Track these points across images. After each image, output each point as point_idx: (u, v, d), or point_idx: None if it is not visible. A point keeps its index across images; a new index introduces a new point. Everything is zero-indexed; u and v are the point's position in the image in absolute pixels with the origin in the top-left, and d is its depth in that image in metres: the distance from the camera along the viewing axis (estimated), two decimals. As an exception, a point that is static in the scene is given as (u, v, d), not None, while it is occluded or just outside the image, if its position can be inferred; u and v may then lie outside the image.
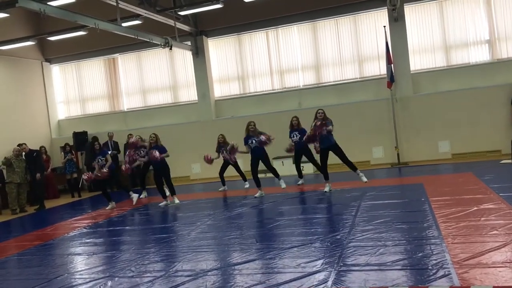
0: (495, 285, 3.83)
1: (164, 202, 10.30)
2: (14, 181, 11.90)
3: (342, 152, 9.50)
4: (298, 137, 10.48)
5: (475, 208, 6.66)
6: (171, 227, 7.94)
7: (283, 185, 10.33)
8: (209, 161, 11.41)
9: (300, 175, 11.18)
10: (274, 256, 5.46)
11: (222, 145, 11.42)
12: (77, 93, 16.75)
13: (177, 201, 10.32)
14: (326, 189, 9.58)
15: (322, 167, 9.67)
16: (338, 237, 5.99)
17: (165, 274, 5.23)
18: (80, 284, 5.22)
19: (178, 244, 6.65)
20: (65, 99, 16.91)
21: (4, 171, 12.15)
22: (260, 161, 10.27)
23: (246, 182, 11.67)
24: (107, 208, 10.68)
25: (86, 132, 15.42)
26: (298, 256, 5.34)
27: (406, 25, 13.09)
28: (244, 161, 12.25)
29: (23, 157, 12.30)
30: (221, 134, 11.61)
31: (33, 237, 8.45)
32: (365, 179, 9.47)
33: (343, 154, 9.50)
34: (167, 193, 10.52)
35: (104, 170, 10.63)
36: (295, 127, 10.71)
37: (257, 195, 10.00)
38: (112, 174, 10.89)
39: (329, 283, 4.35)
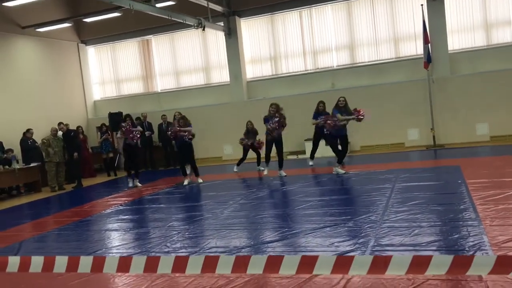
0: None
1: (186, 181, 10.52)
2: (53, 160, 12.27)
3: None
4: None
5: (515, 190, 6.47)
6: (205, 206, 8.05)
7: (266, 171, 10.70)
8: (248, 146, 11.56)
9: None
10: (307, 235, 5.47)
11: (250, 131, 11.43)
12: (112, 74, 17.03)
13: (200, 180, 10.62)
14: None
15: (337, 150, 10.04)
16: (372, 217, 5.93)
17: (199, 250, 5.32)
18: (117, 258, 5.37)
19: (212, 222, 6.74)
20: (101, 80, 17.23)
21: (44, 152, 12.53)
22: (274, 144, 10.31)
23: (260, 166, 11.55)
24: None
25: (121, 112, 15.68)
26: (331, 236, 5.33)
27: (445, 2, 12.67)
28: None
29: (61, 136, 12.65)
30: (249, 121, 11.60)
31: (71, 214, 8.73)
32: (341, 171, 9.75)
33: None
34: (188, 171, 10.80)
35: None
36: (320, 111, 10.66)
37: (265, 172, 10.49)
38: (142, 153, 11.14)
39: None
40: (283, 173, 10.25)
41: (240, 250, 5.15)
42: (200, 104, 15.43)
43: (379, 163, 10.58)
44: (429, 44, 12.39)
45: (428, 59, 12.37)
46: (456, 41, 12.96)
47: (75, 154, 12.50)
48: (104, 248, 5.97)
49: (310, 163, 11.28)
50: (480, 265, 2.27)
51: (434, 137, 12.67)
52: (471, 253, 4.27)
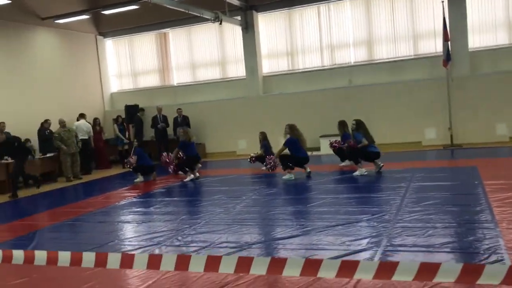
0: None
1: (189, 178, 10.53)
2: (67, 152, 12.42)
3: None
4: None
5: (533, 193, 6.32)
6: (217, 200, 8.04)
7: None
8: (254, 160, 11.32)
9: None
10: (319, 233, 5.42)
11: (263, 142, 11.36)
12: (129, 67, 17.11)
13: (195, 175, 10.66)
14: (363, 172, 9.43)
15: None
16: (386, 217, 5.86)
17: (210, 245, 5.31)
18: (129, 250, 5.40)
19: (224, 216, 6.73)
20: (118, 72, 17.32)
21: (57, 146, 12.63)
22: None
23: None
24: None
25: (138, 105, 15.78)
26: (343, 234, 5.28)
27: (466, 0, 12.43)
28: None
29: (72, 127, 12.84)
30: (260, 133, 11.54)
31: (86, 204, 8.81)
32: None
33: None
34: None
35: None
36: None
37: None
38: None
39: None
40: (308, 169, 9.95)
41: (250, 246, 5.13)
42: (215, 98, 15.42)
43: (395, 161, 10.45)
44: (449, 42, 12.17)
45: (447, 57, 12.15)
46: (477, 39, 12.71)
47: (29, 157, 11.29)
48: (116, 239, 6.00)
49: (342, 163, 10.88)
50: (492, 274, 2.20)
51: (451, 136, 12.47)
52: (485, 256, 4.18)
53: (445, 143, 12.59)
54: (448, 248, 4.51)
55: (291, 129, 9.85)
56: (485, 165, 9.08)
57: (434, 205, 6.24)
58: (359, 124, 9.58)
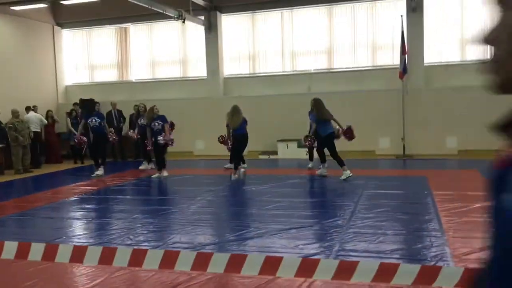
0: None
1: (156, 174, 10.41)
2: (19, 143, 11.95)
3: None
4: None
5: (479, 205, 6.59)
6: (171, 200, 7.93)
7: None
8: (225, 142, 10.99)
9: (311, 158, 11.06)
10: (272, 235, 5.44)
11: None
12: (86, 60, 16.64)
13: (165, 174, 10.48)
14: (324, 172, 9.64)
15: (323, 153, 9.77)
16: (339, 222, 5.95)
17: (162, 244, 5.23)
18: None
19: (177, 216, 6.64)
20: (74, 65, 16.82)
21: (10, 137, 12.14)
22: None
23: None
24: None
25: (93, 99, 15.34)
26: (297, 238, 5.32)
27: (424, 15, 12.87)
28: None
29: (25, 118, 12.34)
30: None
31: (34, 199, 8.48)
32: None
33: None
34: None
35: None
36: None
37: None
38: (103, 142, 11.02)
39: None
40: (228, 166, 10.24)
41: (204, 247, 5.08)
42: (174, 97, 15.23)
43: (349, 168, 10.64)
44: (406, 55, 12.56)
45: (404, 69, 12.54)
46: (432, 54, 13.18)
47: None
48: (64, 236, 5.80)
49: (309, 165, 10.95)
50: (447, 277, 2.27)
51: (404, 147, 12.86)
52: (433, 263, 4.31)
53: (398, 153, 12.96)
54: (398, 254, 4.63)
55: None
56: (434, 175, 9.41)
57: (386, 212, 6.40)
58: (314, 104, 9.72)
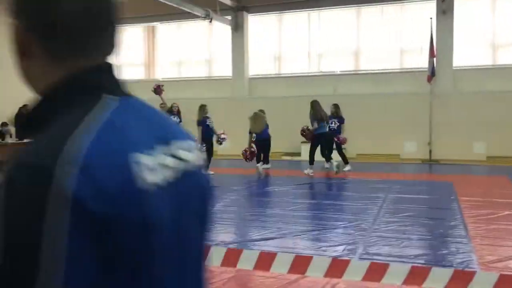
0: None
1: None
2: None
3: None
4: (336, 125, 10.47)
5: (507, 212, 6.44)
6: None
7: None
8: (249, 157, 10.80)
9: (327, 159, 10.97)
10: (295, 236, 5.42)
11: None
12: (113, 58, 16.87)
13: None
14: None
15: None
16: (363, 225, 5.89)
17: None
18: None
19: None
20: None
21: None
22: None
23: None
24: None
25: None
26: (320, 240, 5.29)
27: (454, 18, 12.64)
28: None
29: None
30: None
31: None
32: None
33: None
34: None
35: None
36: (333, 114, 10.64)
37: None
38: None
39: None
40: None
41: (227, 245, 5.09)
42: (200, 97, 15.29)
43: (373, 172, 10.54)
44: (435, 58, 12.36)
45: (432, 73, 12.35)
46: (461, 57, 12.93)
47: None
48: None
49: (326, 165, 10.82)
50: (481, 283, 2.22)
51: (430, 151, 12.65)
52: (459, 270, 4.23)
53: (424, 157, 12.77)
54: (422, 260, 4.55)
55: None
56: (461, 181, 9.22)
57: (411, 217, 6.30)
58: (311, 107, 10.11)
